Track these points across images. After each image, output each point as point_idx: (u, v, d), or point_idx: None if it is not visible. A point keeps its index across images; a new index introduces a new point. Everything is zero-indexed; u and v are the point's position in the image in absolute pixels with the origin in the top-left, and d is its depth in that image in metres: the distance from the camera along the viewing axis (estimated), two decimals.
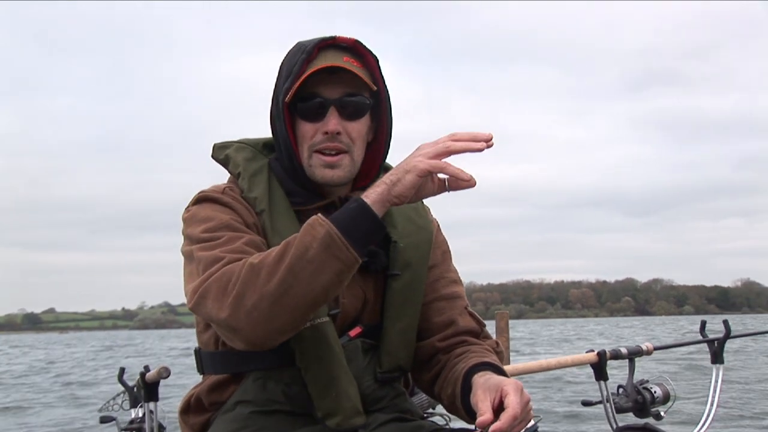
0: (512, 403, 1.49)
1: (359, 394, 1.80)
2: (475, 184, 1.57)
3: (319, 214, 1.59)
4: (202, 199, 1.86)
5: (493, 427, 1.46)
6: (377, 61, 1.84)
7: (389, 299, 1.88)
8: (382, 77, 1.85)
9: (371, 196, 1.58)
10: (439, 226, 2.06)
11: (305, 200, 1.86)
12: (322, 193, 1.87)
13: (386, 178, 1.57)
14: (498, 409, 1.53)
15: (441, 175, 1.60)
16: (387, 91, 1.86)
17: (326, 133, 1.79)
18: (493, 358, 1.81)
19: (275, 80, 1.87)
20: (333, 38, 1.81)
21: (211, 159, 1.99)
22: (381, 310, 1.89)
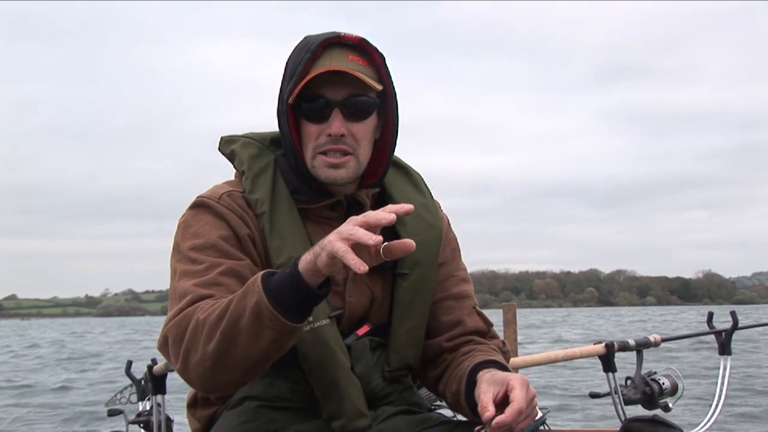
0: (517, 397, 1.48)
1: (363, 395, 1.80)
2: (413, 247, 1.51)
3: (260, 276, 1.53)
4: (198, 204, 1.84)
5: (496, 420, 1.46)
6: (383, 58, 1.81)
7: (398, 298, 1.87)
8: (389, 75, 1.82)
9: (303, 263, 1.50)
10: (449, 221, 2.04)
11: (311, 199, 1.84)
12: (329, 191, 1.84)
13: (316, 247, 1.50)
14: (502, 403, 1.52)
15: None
16: (393, 89, 1.83)
17: (330, 135, 1.77)
18: (499, 357, 1.81)
19: (282, 77, 1.85)
20: (338, 36, 1.77)
21: (218, 152, 1.97)
22: (389, 308, 1.89)
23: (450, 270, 1.97)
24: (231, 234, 1.78)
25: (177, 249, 1.80)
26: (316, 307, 1.70)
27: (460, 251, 2.03)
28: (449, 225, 2.03)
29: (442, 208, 2.05)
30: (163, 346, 1.70)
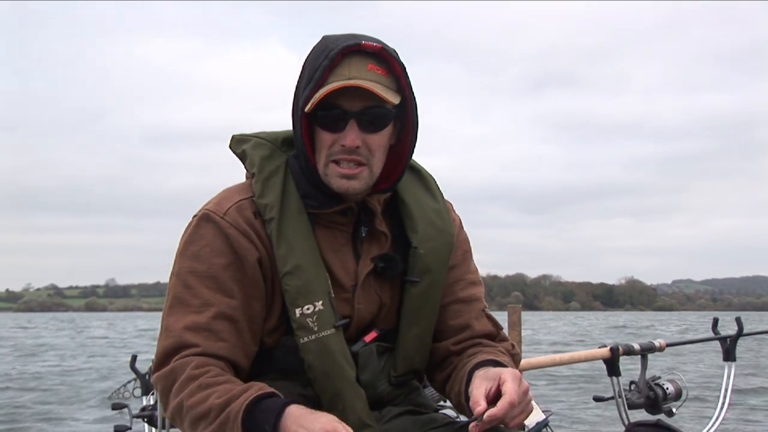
0: (509, 390, 1.50)
1: (368, 404, 1.80)
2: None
3: (242, 410, 1.57)
4: (203, 218, 1.80)
5: (488, 413, 1.47)
6: (403, 67, 1.76)
7: (406, 305, 1.86)
8: (409, 83, 1.77)
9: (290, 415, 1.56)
10: (461, 223, 2.01)
11: (322, 204, 1.81)
12: (339, 196, 1.80)
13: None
14: (496, 398, 1.53)
15: None
16: (414, 98, 1.79)
17: (344, 145, 1.73)
18: (502, 358, 1.80)
19: (298, 77, 1.80)
20: (359, 44, 1.72)
21: (229, 150, 1.93)
22: (397, 313, 1.88)
23: (460, 273, 1.95)
24: (232, 260, 1.76)
25: (176, 264, 1.79)
26: (322, 315, 1.74)
27: (471, 253, 2.01)
28: (461, 226, 2.00)
29: (454, 208, 2.02)
30: (155, 383, 1.76)
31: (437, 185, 1.99)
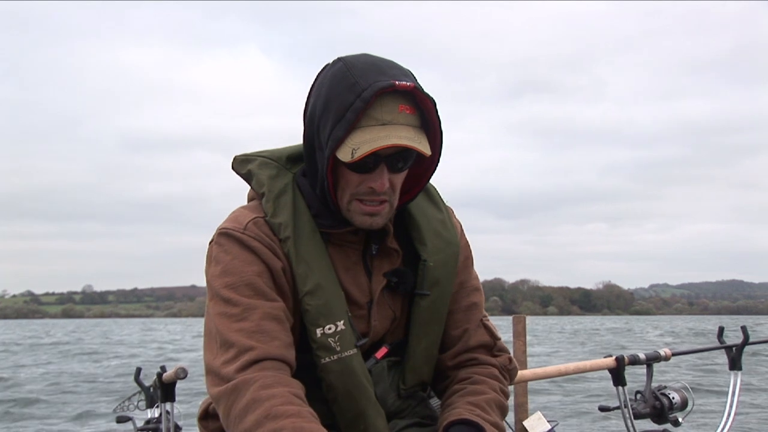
0: None
1: (386, 423, 1.79)
2: None
3: None
4: (224, 235, 1.77)
5: None
6: (434, 103, 1.72)
7: (416, 317, 1.85)
8: (438, 118, 1.73)
9: None
10: (462, 228, 2.00)
11: (334, 224, 1.79)
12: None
13: None
14: None
15: None
16: (441, 133, 1.75)
17: (372, 187, 1.71)
18: (483, 416, 1.76)
19: (312, 99, 1.75)
20: (392, 85, 1.65)
21: (232, 171, 1.90)
22: (405, 326, 1.87)
23: (462, 280, 1.94)
24: (264, 269, 1.73)
25: (210, 287, 1.76)
26: (344, 335, 1.72)
27: (472, 258, 2.00)
28: (462, 232, 1.99)
29: (455, 213, 2.00)
30: (216, 403, 1.68)
31: (438, 193, 1.98)
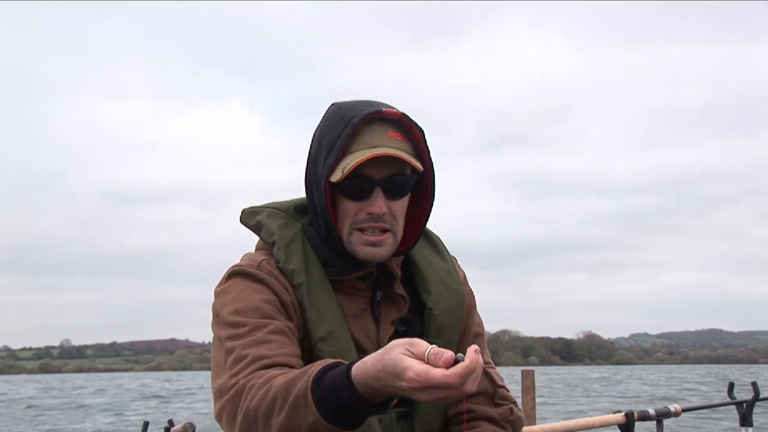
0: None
1: None
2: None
3: (309, 388, 1.43)
4: (235, 273, 1.78)
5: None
6: (422, 132, 1.76)
7: None
8: (428, 149, 1.78)
9: (364, 383, 1.39)
10: (465, 276, 2.00)
11: (342, 270, 1.79)
12: (358, 262, 1.79)
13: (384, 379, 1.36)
14: None
15: None
16: (432, 163, 1.79)
17: (371, 213, 1.72)
18: None
19: (310, 145, 1.80)
20: (379, 111, 1.71)
21: (241, 224, 1.92)
22: None
23: (465, 327, 1.94)
24: (274, 299, 1.72)
25: (217, 316, 1.75)
26: None
27: (476, 304, 1.99)
28: (466, 280, 2.00)
29: (458, 263, 2.01)
30: (219, 418, 1.66)
31: (443, 244, 1.99)
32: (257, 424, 1.52)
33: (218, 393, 1.65)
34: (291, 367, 1.61)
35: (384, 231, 1.74)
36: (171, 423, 3.00)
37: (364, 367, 1.38)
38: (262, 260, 1.78)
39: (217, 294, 1.78)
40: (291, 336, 1.69)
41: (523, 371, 4.52)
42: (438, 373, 1.29)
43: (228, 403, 1.60)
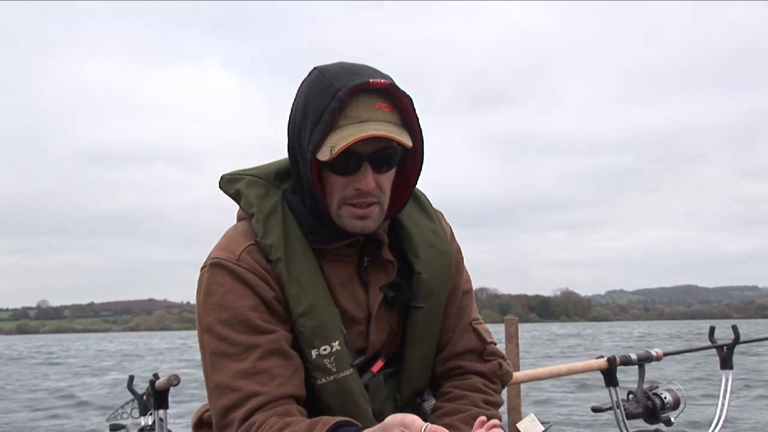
0: None
1: None
2: None
3: None
4: (217, 266, 1.74)
5: None
6: (411, 101, 1.72)
7: (411, 330, 1.85)
8: (416, 117, 1.73)
9: None
10: (452, 232, 1.99)
11: (328, 239, 1.76)
12: (344, 231, 1.76)
13: None
14: None
15: None
16: (420, 130, 1.75)
17: (359, 189, 1.69)
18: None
19: (293, 110, 1.75)
20: (366, 83, 1.65)
21: (220, 190, 1.88)
22: (401, 337, 1.86)
23: (454, 285, 1.92)
24: (257, 301, 1.71)
25: (201, 321, 1.74)
26: (339, 355, 1.72)
27: (463, 260, 1.98)
28: (453, 235, 1.97)
29: (445, 218, 1.99)
30: (198, 428, 1.85)
31: (428, 200, 1.97)
32: None
33: (215, 410, 1.68)
34: (285, 397, 1.65)
35: (371, 204, 1.71)
36: (156, 376, 3.03)
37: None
38: (243, 251, 1.74)
39: (199, 290, 1.76)
40: (284, 350, 1.69)
41: (506, 319, 4.57)
42: None
43: None
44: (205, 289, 1.73)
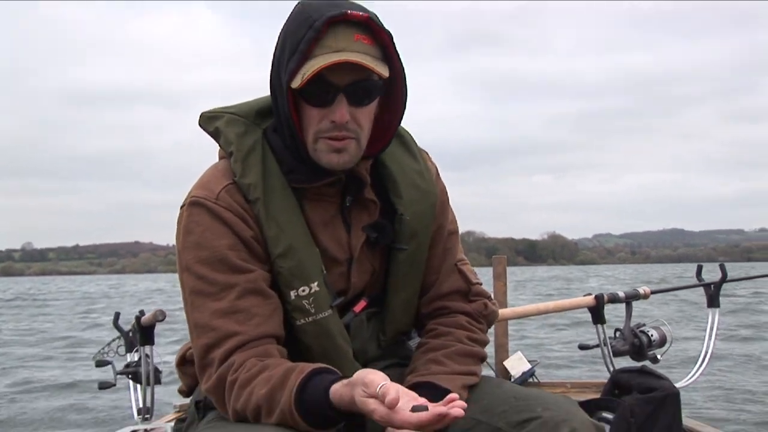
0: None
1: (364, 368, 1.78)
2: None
3: (295, 410, 1.53)
4: (194, 204, 1.72)
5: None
6: (391, 36, 1.68)
7: (394, 271, 1.84)
8: (396, 52, 1.70)
9: (338, 399, 1.50)
10: (437, 171, 1.96)
11: (308, 178, 1.74)
12: (325, 170, 1.73)
13: (353, 391, 1.45)
14: None
15: None
16: (402, 67, 1.71)
17: (334, 121, 1.66)
18: (429, 372, 1.76)
19: (275, 47, 1.72)
20: (344, 14, 1.62)
21: (199, 128, 1.84)
22: (384, 277, 1.86)
23: (438, 224, 1.91)
24: (236, 240, 1.70)
25: (180, 260, 1.73)
26: (318, 297, 1.71)
27: (448, 199, 1.96)
28: (438, 175, 1.95)
29: (430, 157, 1.96)
30: (181, 365, 1.90)
31: (413, 139, 1.94)
32: (248, 420, 1.61)
33: (196, 351, 1.69)
34: (263, 337, 1.65)
35: (347, 138, 1.68)
36: (142, 312, 3.04)
37: (340, 397, 1.47)
38: (221, 190, 1.72)
39: (178, 228, 1.75)
40: (262, 290, 1.69)
41: (494, 258, 4.54)
42: (398, 420, 1.39)
43: (211, 393, 1.66)
44: (184, 228, 1.72)
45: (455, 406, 1.37)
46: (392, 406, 1.37)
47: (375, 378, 1.42)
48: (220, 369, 1.63)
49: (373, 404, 1.40)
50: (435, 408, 1.38)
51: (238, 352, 1.63)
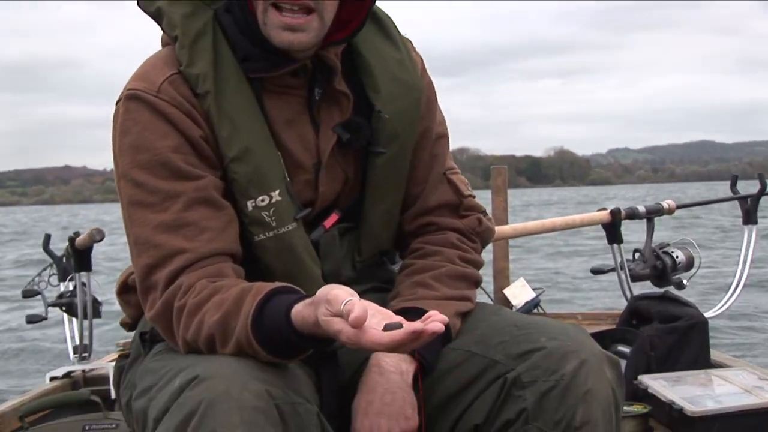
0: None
1: None
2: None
3: (252, 337, 1.49)
4: (133, 98, 1.67)
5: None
6: None
7: (371, 178, 1.81)
8: None
9: (299, 320, 1.45)
10: (423, 64, 1.92)
11: (267, 65, 1.70)
12: (288, 55, 1.69)
13: (316, 309, 1.41)
14: None
15: None
16: None
17: None
18: (415, 297, 1.76)
19: None
20: None
21: (139, 8, 1.78)
22: (361, 186, 1.83)
23: (425, 126, 1.88)
24: (181, 141, 1.65)
25: (117, 166, 1.69)
26: (280, 207, 1.69)
27: (436, 98, 1.93)
28: (424, 68, 1.91)
29: (414, 47, 1.93)
30: (123, 293, 1.87)
31: (395, 24, 1.89)
32: (200, 351, 1.57)
33: (138, 270, 1.66)
34: (215, 254, 1.62)
35: (308, 11, 1.63)
36: (77, 233, 2.99)
37: (303, 318, 1.43)
38: (164, 81, 1.67)
39: (114, 126, 1.71)
40: (213, 199, 1.65)
41: (493, 168, 4.53)
42: (367, 341, 1.33)
43: (157, 322, 1.64)
44: (120, 126, 1.68)
45: (434, 319, 1.33)
46: (358, 325, 1.33)
47: (339, 293, 1.37)
48: (165, 293, 1.61)
49: (338, 324, 1.35)
50: (410, 325, 1.33)
51: (186, 273, 1.60)
